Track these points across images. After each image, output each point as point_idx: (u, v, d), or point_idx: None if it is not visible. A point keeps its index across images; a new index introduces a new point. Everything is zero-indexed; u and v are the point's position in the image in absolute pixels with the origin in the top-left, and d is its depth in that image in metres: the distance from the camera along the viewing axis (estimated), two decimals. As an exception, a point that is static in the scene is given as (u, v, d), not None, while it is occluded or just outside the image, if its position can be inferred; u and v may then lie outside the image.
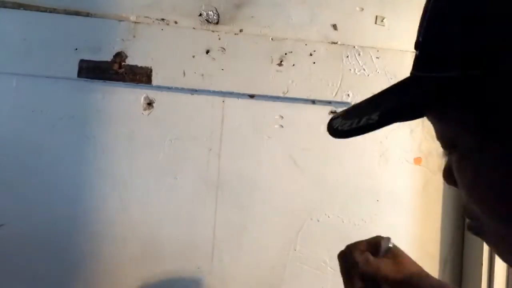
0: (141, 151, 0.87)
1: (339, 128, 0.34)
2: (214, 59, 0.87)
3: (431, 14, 0.32)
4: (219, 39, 0.87)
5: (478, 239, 0.90)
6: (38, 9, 0.83)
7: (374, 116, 0.32)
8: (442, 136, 0.34)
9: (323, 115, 0.91)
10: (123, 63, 0.84)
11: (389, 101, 0.34)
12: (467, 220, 0.35)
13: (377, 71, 0.91)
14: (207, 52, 0.87)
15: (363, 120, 0.32)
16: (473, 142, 0.31)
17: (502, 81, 0.27)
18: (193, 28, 0.87)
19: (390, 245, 0.60)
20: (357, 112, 0.34)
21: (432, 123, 0.35)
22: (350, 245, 0.61)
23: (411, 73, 0.34)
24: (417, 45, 0.33)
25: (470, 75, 0.28)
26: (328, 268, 0.92)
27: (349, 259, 0.59)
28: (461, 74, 0.29)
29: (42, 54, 0.82)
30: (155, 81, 0.85)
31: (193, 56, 0.86)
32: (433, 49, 0.31)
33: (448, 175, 0.35)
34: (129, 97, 0.86)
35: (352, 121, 0.33)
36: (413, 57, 0.34)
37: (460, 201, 0.97)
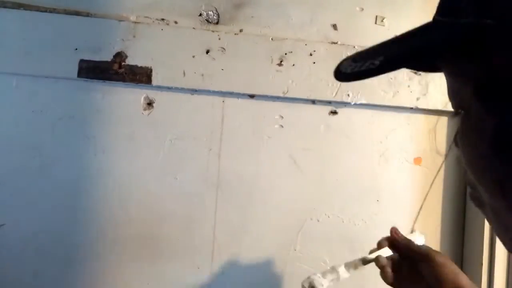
0: (141, 151, 0.87)
1: (343, 70, 0.32)
2: (214, 59, 0.86)
3: None
4: (219, 39, 0.87)
5: (478, 240, 0.90)
6: (38, 9, 0.83)
7: (377, 61, 0.30)
8: (453, 95, 0.32)
9: (323, 115, 0.91)
10: (123, 63, 0.84)
11: (397, 46, 0.31)
12: (469, 190, 0.34)
13: (377, 71, 0.91)
14: (207, 52, 0.87)
15: (366, 64, 0.30)
16: (472, 104, 0.28)
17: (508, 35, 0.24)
18: (193, 28, 0.87)
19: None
20: (366, 55, 0.32)
21: (445, 78, 0.33)
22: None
23: (433, 18, 0.31)
24: None
25: (483, 24, 0.25)
26: (328, 268, 0.92)
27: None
28: (474, 22, 0.26)
29: (42, 54, 0.82)
30: (155, 81, 0.85)
31: (193, 56, 0.86)
32: None
33: (456, 138, 0.34)
34: (129, 97, 0.86)
35: (356, 65, 0.31)
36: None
37: (459, 200, 0.97)
